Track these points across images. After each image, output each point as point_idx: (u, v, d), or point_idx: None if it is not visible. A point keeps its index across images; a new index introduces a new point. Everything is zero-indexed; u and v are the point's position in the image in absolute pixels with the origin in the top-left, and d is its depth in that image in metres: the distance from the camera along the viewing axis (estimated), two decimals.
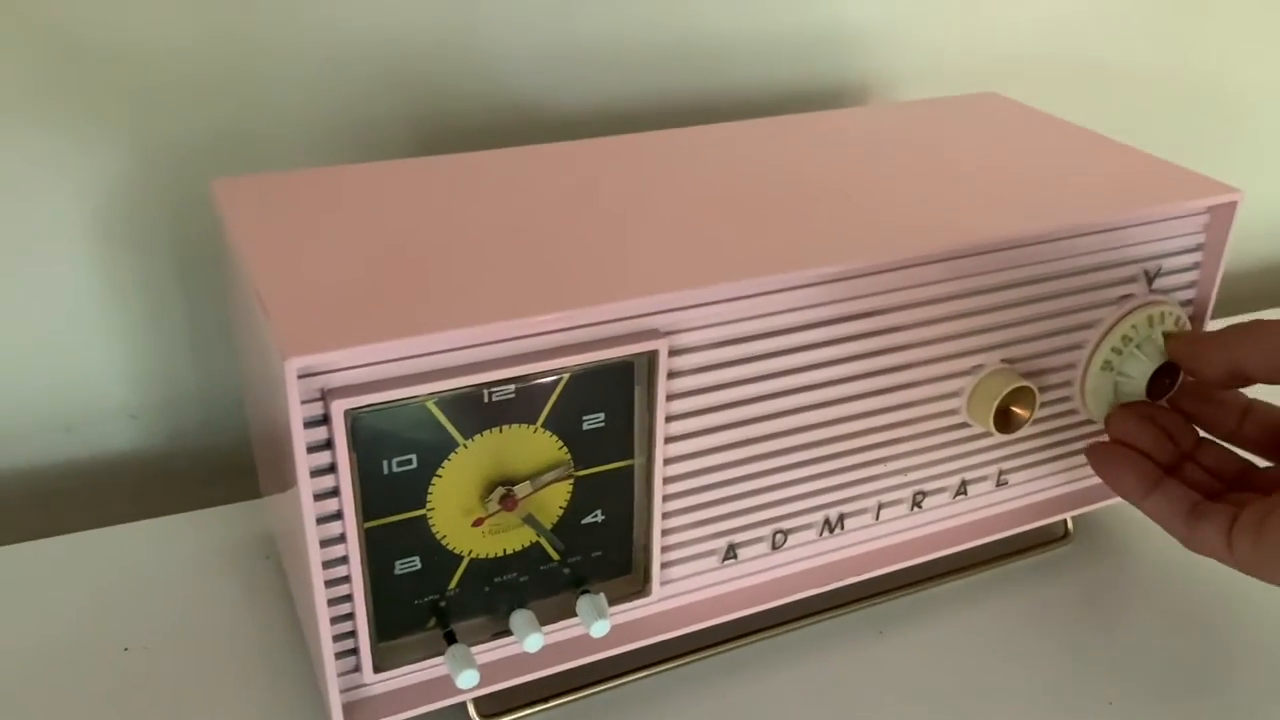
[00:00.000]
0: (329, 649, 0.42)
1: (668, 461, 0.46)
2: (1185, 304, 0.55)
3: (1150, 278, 0.53)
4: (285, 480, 0.42)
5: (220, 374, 0.67)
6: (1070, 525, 0.60)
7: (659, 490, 0.46)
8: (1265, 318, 0.48)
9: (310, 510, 0.39)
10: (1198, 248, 0.54)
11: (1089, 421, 0.56)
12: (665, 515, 0.47)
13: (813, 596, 0.52)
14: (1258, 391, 0.50)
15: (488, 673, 0.46)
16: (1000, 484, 0.55)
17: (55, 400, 0.64)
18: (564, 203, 0.49)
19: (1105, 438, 0.52)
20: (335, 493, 0.40)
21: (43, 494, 0.66)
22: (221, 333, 0.66)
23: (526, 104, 0.67)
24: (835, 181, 0.53)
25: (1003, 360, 0.51)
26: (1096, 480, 0.58)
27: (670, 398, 0.44)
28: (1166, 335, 0.51)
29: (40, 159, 0.58)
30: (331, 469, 0.39)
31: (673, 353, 0.43)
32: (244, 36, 0.59)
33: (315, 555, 0.40)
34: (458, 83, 0.65)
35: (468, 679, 0.43)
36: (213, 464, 0.69)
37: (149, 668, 0.50)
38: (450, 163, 0.53)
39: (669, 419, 0.45)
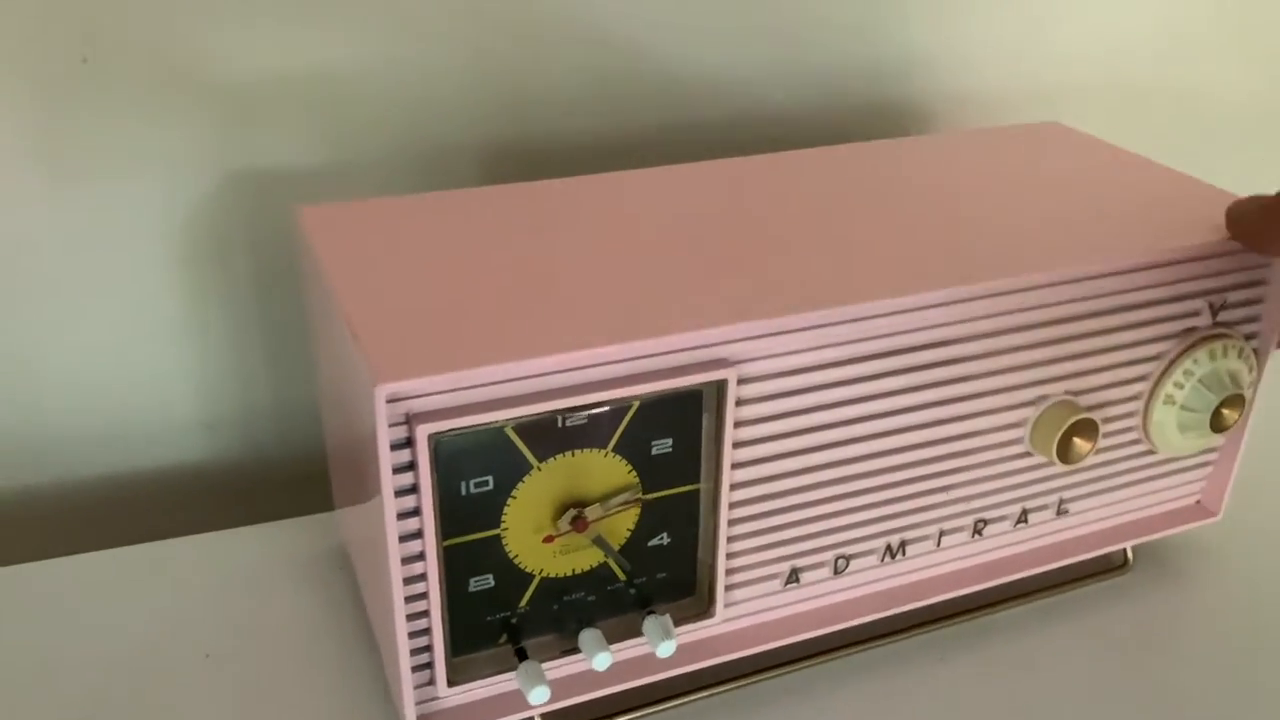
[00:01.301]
0: (406, 662, 0.44)
1: (733, 487, 0.47)
2: (1250, 336, 0.55)
3: (1215, 310, 0.53)
4: (365, 496, 0.44)
5: (295, 390, 0.69)
6: (1130, 554, 0.60)
7: (724, 515, 0.47)
8: None
9: (393, 528, 0.41)
10: (1262, 281, 0.54)
11: (1151, 451, 0.56)
12: (729, 539, 0.48)
13: (874, 621, 0.53)
14: None
15: (556, 689, 0.47)
16: (1061, 512, 0.56)
17: (135, 411, 0.67)
18: (634, 232, 0.51)
19: (1169, 465, 0.52)
20: (416, 512, 0.41)
21: (121, 502, 0.69)
22: (296, 351, 0.68)
23: (593, 131, 0.69)
24: (899, 212, 0.54)
25: (1067, 392, 0.52)
26: (1157, 510, 0.58)
27: (737, 425, 0.46)
28: (1230, 209, 0.51)
29: (132, 180, 0.60)
30: (413, 489, 0.41)
31: (741, 381, 0.45)
32: (326, 66, 0.61)
33: (396, 571, 0.42)
34: (528, 110, 0.67)
35: (539, 695, 0.44)
36: (286, 475, 0.71)
37: (228, 674, 0.52)
38: (524, 191, 0.55)
39: (736, 445, 0.46)
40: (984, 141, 0.64)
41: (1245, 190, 0.57)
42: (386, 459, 0.39)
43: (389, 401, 0.39)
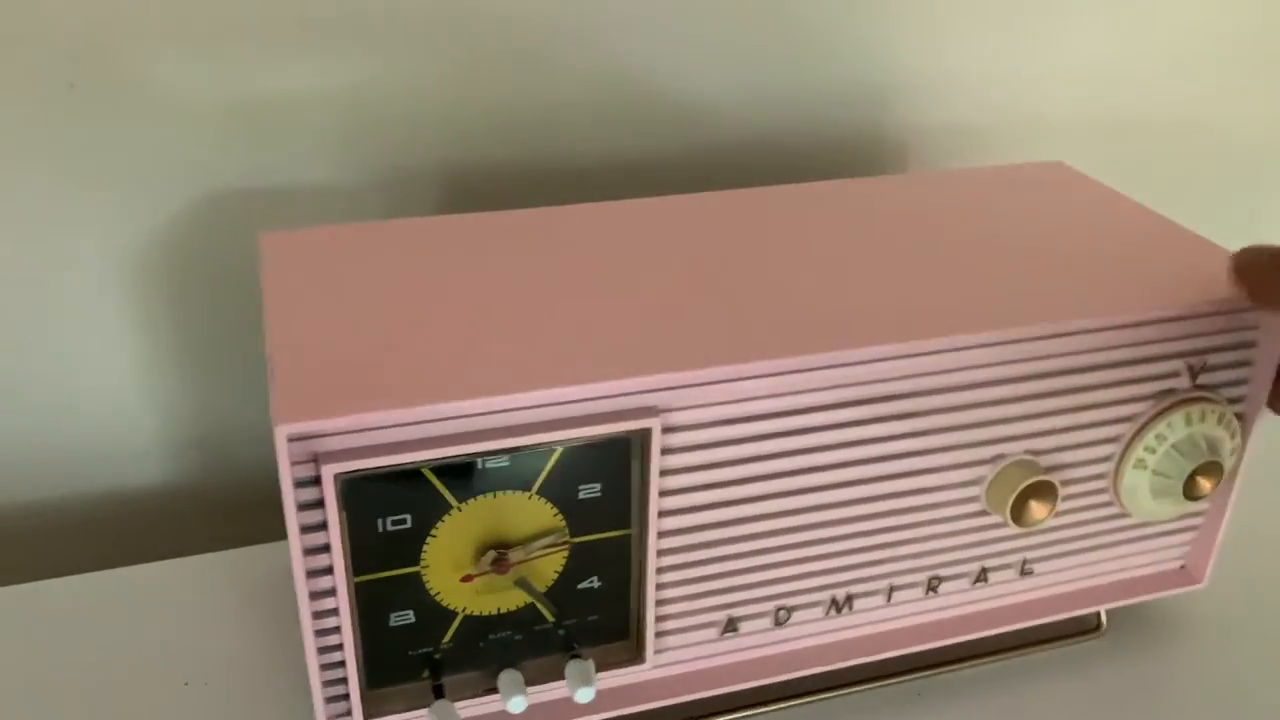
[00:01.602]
0: (319, 693, 0.44)
1: (662, 535, 0.46)
2: (1235, 400, 0.52)
3: (1194, 372, 0.51)
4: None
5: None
6: (1104, 617, 0.58)
7: (653, 561, 0.46)
8: None
9: (300, 563, 0.41)
10: (1250, 343, 0.51)
11: (1123, 514, 0.54)
12: (660, 586, 0.47)
13: (820, 674, 0.51)
14: None
15: None
16: (1025, 573, 0.54)
17: (108, 432, 0.68)
18: (579, 269, 0.50)
19: (1144, 529, 0.50)
20: (327, 548, 0.42)
21: (94, 524, 0.70)
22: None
23: (551, 158, 0.68)
24: (866, 256, 0.52)
25: (1027, 451, 0.50)
26: (1135, 573, 0.56)
27: (664, 473, 0.45)
28: (1237, 256, 0.49)
29: (91, 209, 0.61)
30: (323, 526, 0.41)
31: (666, 430, 0.44)
32: (271, 93, 0.62)
33: (305, 607, 0.42)
34: (484, 138, 0.66)
35: None
36: (270, 495, 0.72)
37: (192, 703, 0.53)
38: (482, 222, 0.55)
39: (663, 494, 0.45)
40: (977, 181, 0.62)
41: (1236, 224, 0.54)
42: (290, 496, 0.40)
43: (292, 440, 0.39)
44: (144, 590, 0.60)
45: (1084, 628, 0.58)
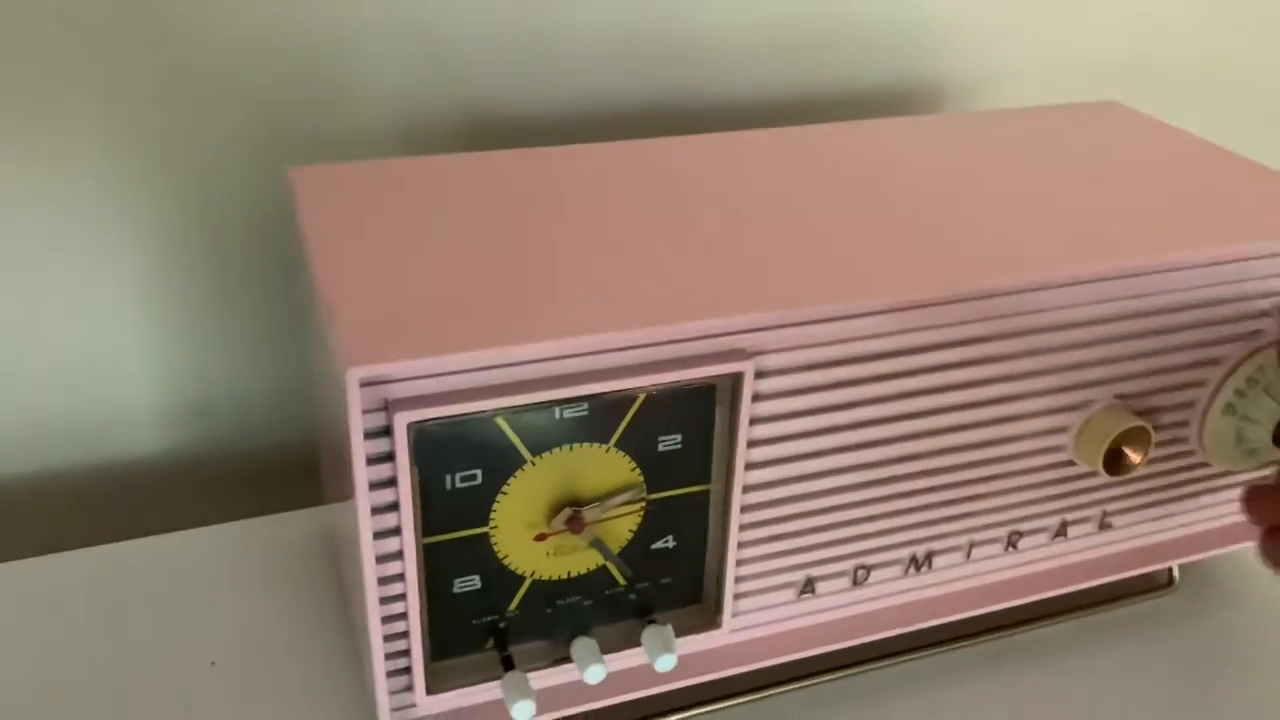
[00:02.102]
0: (380, 667, 0.40)
1: (746, 489, 0.43)
2: None
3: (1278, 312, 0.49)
4: (344, 490, 0.40)
5: (291, 371, 0.66)
6: (1176, 573, 0.56)
7: (735, 518, 0.43)
8: None
9: (368, 524, 0.37)
10: None
11: (1204, 464, 0.51)
12: (740, 545, 0.44)
13: (896, 636, 0.49)
14: None
15: (545, 699, 0.44)
16: (1103, 526, 0.51)
17: (115, 397, 0.63)
18: (647, 207, 0.47)
19: (1223, 480, 0.48)
20: (394, 507, 0.38)
21: (109, 493, 0.65)
22: (292, 328, 0.64)
23: (571, 103, 0.64)
24: (939, 195, 0.49)
25: (1116, 396, 0.47)
26: (1207, 526, 0.54)
27: (753, 422, 0.41)
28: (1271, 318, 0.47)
29: (116, 148, 0.57)
30: (391, 482, 0.37)
31: (758, 375, 0.41)
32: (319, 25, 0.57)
33: (370, 571, 0.38)
34: (519, 78, 0.62)
35: (523, 710, 0.40)
36: (283, 464, 0.68)
37: (220, 681, 0.49)
38: (528, 158, 0.51)
39: (750, 444, 0.42)
40: (1036, 121, 0.60)
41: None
42: (360, 449, 0.36)
43: (364, 385, 0.35)
44: (157, 564, 0.55)
45: (1156, 584, 0.56)
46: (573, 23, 0.62)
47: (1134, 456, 0.47)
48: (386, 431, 0.36)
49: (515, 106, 0.63)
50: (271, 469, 0.67)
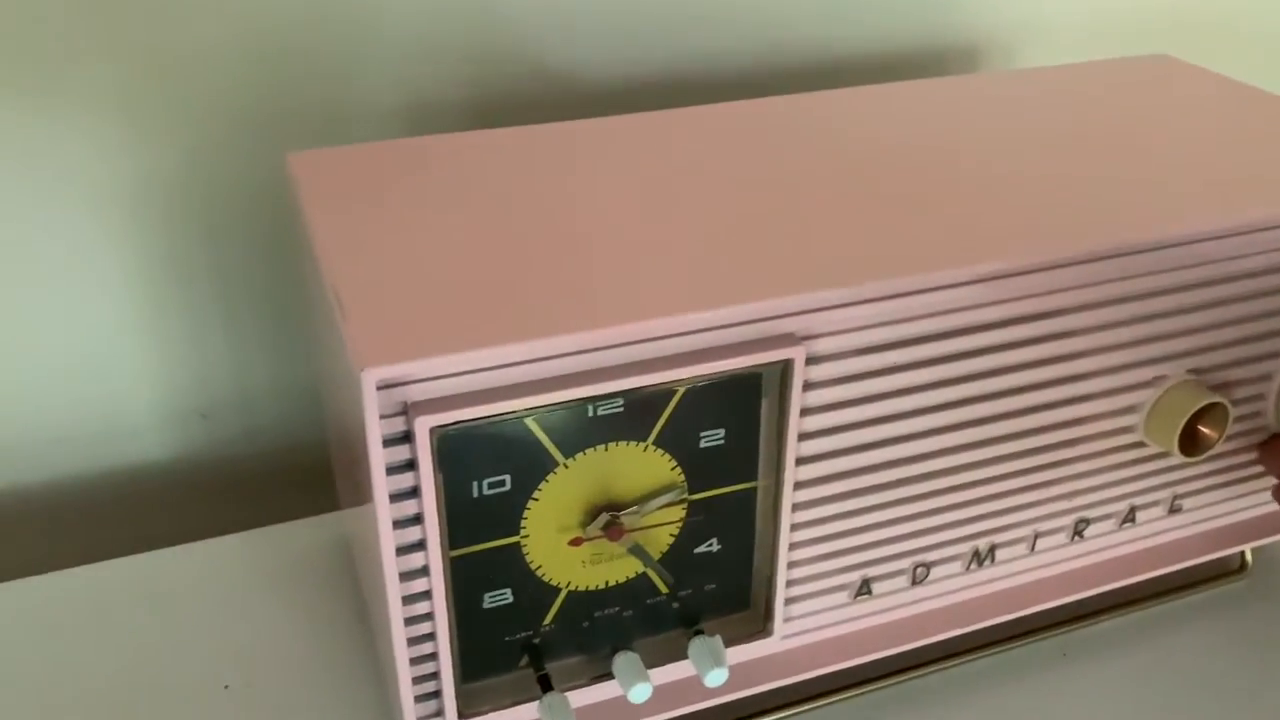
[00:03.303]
0: (408, 690, 0.37)
1: (798, 485, 0.39)
2: None
3: None
4: (362, 499, 0.37)
5: (296, 371, 0.62)
6: (1249, 556, 0.52)
7: (786, 517, 0.40)
8: None
9: (389, 538, 0.34)
10: None
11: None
12: (792, 545, 0.41)
13: (958, 637, 0.45)
14: None
15: (584, 717, 0.40)
16: (1173, 510, 0.48)
17: (117, 402, 0.60)
18: (675, 183, 0.43)
19: None
20: (418, 519, 0.34)
21: (112, 502, 0.62)
22: (297, 324, 0.61)
23: (588, 72, 0.61)
24: (990, 162, 0.46)
25: (1189, 371, 0.44)
26: None
27: (804, 413, 0.38)
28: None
29: (93, 142, 0.53)
30: (414, 492, 0.34)
31: (809, 361, 0.37)
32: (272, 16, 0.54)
33: (394, 588, 0.35)
34: (513, 49, 0.59)
35: None
36: (291, 467, 0.65)
37: (228, 706, 0.46)
38: (541, 135, 0.48)
39: (801, 437, 0.39)
40: (1087, 78, 0.56)
41: None
42: (379, 457, 0.32)
43: (381, 388, 0.32)
44: (164, 579, 0.52)
45: (1227, 569, 0.52)
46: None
47: (1211, 435, 0.43)
48: (407, 437, 0.33)
49: (525, 82, 0.59)
50: (279, 473, 0.64)
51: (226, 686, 0.46)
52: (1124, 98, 0.53)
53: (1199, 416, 0.43)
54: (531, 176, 0.44)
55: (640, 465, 0.38)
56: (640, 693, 0.38)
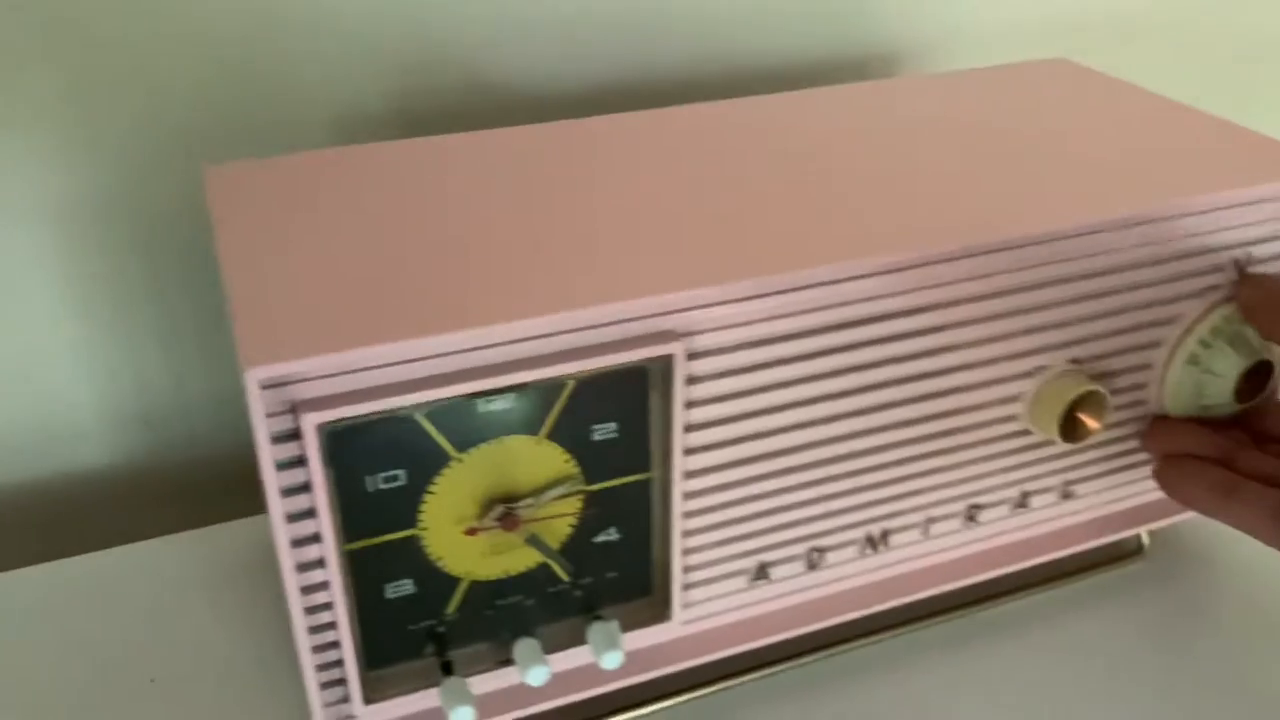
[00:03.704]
0: (312, 678, 0.39)
1: (688, 475, 0.41)
2: None
3: (1242, 266, 0.47)
4: (264, 497, 0.39)
5: (233, 378, 0.64)
6: (1146, 539, 0.54)
7: (679, 506, 0.42)
8: None
9: (284, 531, 0.36)
10: None
11: None
12: (687, 533, 0.43)
13: (854, 620, 0.47)
14: None
15: (491, 703, 0.42)
16: (1066, 496, 0.50)
17: (55, 409, 0.61)
18: (567, 189, 0.45)
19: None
20: (312, 513, 0.36)
21: (50, 508, 0.64)
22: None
23: (518, 83, 0.62)
24: (875, 162, 0.48)
25: (1070, 361, 0.46)
26: None
27: (689, 405, 0.40)
28: (1239, 282, 0.46)
29: (25, 153, 0.55)
30: (307, 487, 0.36)
31: (691, 356, 0.39)
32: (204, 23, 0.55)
33: (292, 579, 0.36)
34: (439, 60, 0.60)
35: (462, 716, 0.39)
36: (232, 469, 0.66)
37: (162, 699, 0.47)
38: (447, 144, 0.49)
39: (688, 429, 0.40)
40: (984, 81, 0.58)
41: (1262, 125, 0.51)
42: (267, 453, 0.34)
43: (268, 387, 0.34)
44: (95, 581, 0.53)
45: (1124, 552, 0.54)
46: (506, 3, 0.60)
47: (1090, 423, 0.45)
48: (295, 435, 0.35)
49: (456, 94, 0.61)
50: (221, 478, 0.66)
51: (153, 680, 0.48)
52: (1018, 99, 0.55)
53: (1079, 404, 0.45)
54: (432, 185, 0.45)
55: (535, 458, 0.39)
56: (537, 675, 0.40)
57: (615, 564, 0.43)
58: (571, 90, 0.63)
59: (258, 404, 0.33)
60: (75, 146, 0.55)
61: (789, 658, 0.48)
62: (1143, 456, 0.51)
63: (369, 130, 0.61)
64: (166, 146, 0.57)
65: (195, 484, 0.66)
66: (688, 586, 0.44)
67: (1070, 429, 0.45)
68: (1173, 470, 0.47)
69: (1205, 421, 0.48)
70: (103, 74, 0.54)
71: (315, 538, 0.36)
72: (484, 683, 0.42)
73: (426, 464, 0.38)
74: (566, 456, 0.40)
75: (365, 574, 0.38)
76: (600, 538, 0.42)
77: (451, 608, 0.41)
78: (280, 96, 0.58)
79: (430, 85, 0.61)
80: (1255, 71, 0.82)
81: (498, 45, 0.61)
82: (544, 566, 0.41)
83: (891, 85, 0.58)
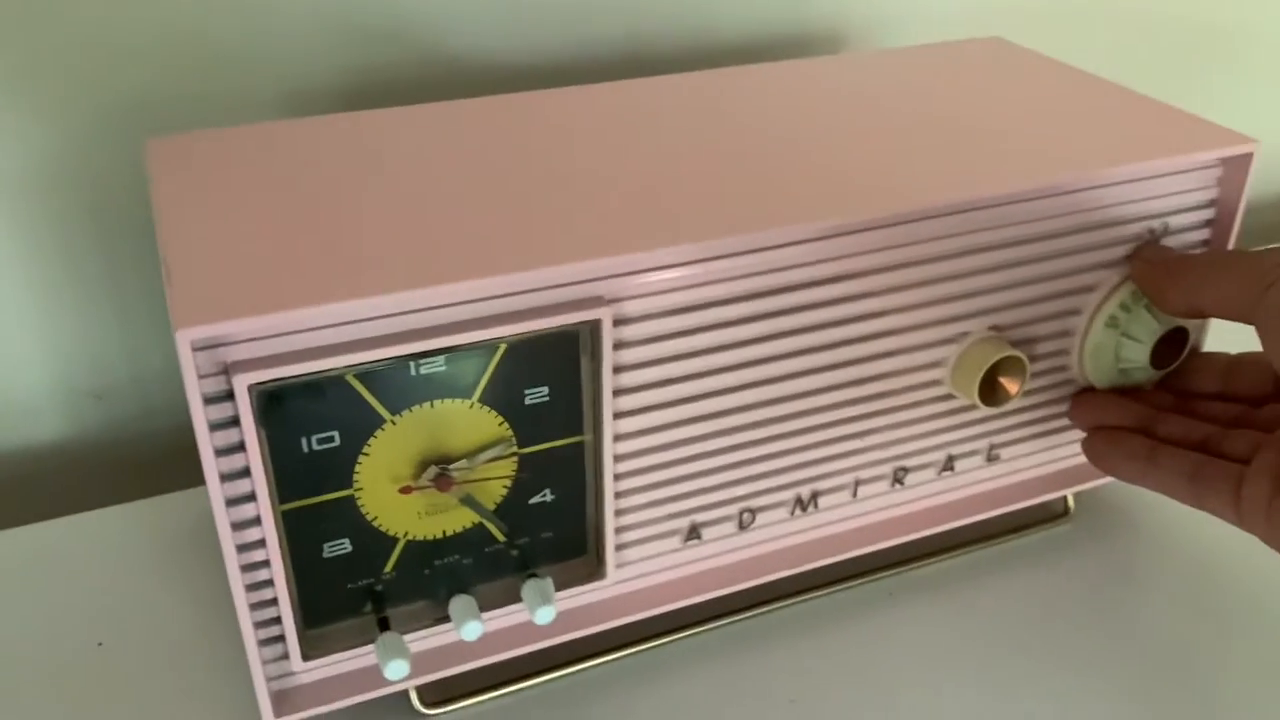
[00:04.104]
0: (250, 635, 0.40)
1: (619, 438, 0.43)
2: None
3: (1157, 236, 0.49)
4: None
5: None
6: (1071, 502, 0.56)
7: (610, 468, 0.43)
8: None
9: (218, 491, 0.37)
10: (1210, 203, 0.50)
11: (1090, 390, 0.52)
12: (619, 494, 0.44)
13: (785, 579, 0.49)
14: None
15: (429, 660, 0.43)
16: (991, 459, 0.51)
17: (10, 383, 0.62)
18: (500, 160, 0.46)
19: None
20: (246, 473, 0.37)
21: (6, 483, 0.64)
22: None
23: (463, 56, 0.63)
24: (807, 135, 0.49)
25: (991, 327, 0.47)
26: None
27: (618, 370, 0.41)
28: (1134, 254, 0.48)
29: None
30: (241, 447, 0.37)
31: (620, 322, 0.40)
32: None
33: (227, 539, 0.37)
34: (393, 34, 0.61)
35: (396, 670, 0.40)
36: (187, 442, 0.66)
37: (114, 662, 0.48)
38: (383, 118, 0.50)
39: (618, 393, 0.42)
40: (919, 58, 0.59)
41: (1190, 103, 0.53)
42: (200, 413, 0.35)
43: (201, 349, 0.35)
44: (44, 550, 0.54)
45: (1051, 514, 0.56)
46: None
47: (1010, 387, 0.47)
48: (229, 395, 0.36)
49: (406, 69, 0.62)
50: (173, 451, 0.66)
51: (100, 644, 0.49)
52: (950, 76, 0.57)
53: (998, 369, 0.47)
54: (370, 156, 0.46)
55: (468, 421, 0.40)
56: (472, 630, 0.41)
57: (550, 524, 0.44)
58: (517, 65, 0.64)
59: (189, 365, 0.34)
60: (25, 120, 0.56)
61: (720, 615, 0.49)
62: (1066, 423, 0.52)
63: (323, 105, 0.61)
64: (118, 121, 0.57)
65: (148, 457, 0.67)
66: (621, 546, 0.45)
67: (990, 393, 0.47)
68: (1096, 441, 0.49)
69: (1128, 391, 0.50)
70: (53, 47, 0.55)
71: (250, 497, 0.37)
72: (422, 641, 0.43)
73: (360, 426, 0.39)
74: (500, 420, 0.41)
75: (302, 533, 0.40)
76: (535, 499, 0.43)
77: (389, 567, 0.42)
78: (233, 71, 0.59)
79: (384, 60, 0.61)
80: (1196, 53, 0.84)
81: (451, 19, 0.62)
82: (480, 527, 0.43)
83: (830, 62, 0.59)
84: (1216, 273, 0.44)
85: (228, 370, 0.35)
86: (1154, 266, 0.47)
